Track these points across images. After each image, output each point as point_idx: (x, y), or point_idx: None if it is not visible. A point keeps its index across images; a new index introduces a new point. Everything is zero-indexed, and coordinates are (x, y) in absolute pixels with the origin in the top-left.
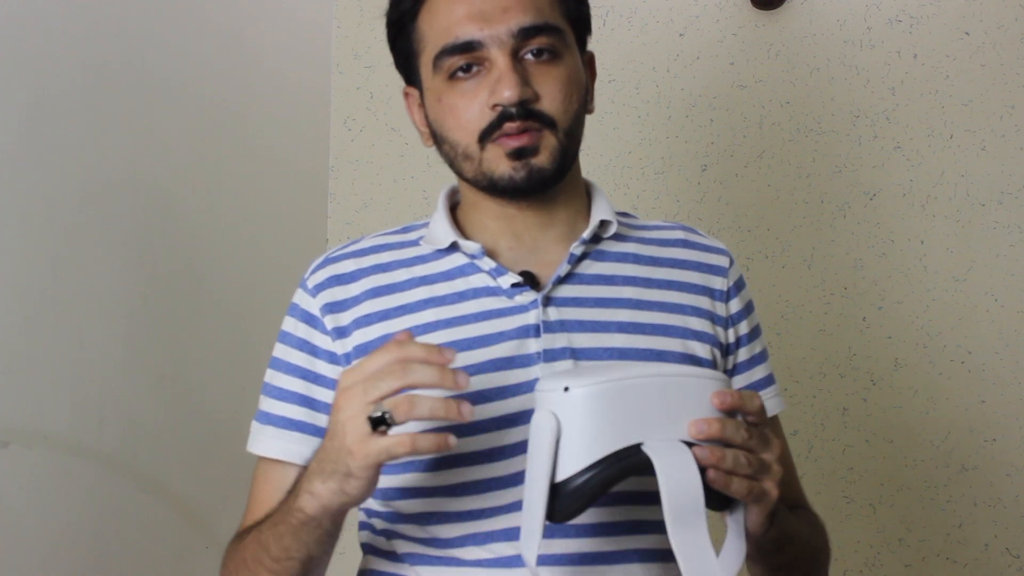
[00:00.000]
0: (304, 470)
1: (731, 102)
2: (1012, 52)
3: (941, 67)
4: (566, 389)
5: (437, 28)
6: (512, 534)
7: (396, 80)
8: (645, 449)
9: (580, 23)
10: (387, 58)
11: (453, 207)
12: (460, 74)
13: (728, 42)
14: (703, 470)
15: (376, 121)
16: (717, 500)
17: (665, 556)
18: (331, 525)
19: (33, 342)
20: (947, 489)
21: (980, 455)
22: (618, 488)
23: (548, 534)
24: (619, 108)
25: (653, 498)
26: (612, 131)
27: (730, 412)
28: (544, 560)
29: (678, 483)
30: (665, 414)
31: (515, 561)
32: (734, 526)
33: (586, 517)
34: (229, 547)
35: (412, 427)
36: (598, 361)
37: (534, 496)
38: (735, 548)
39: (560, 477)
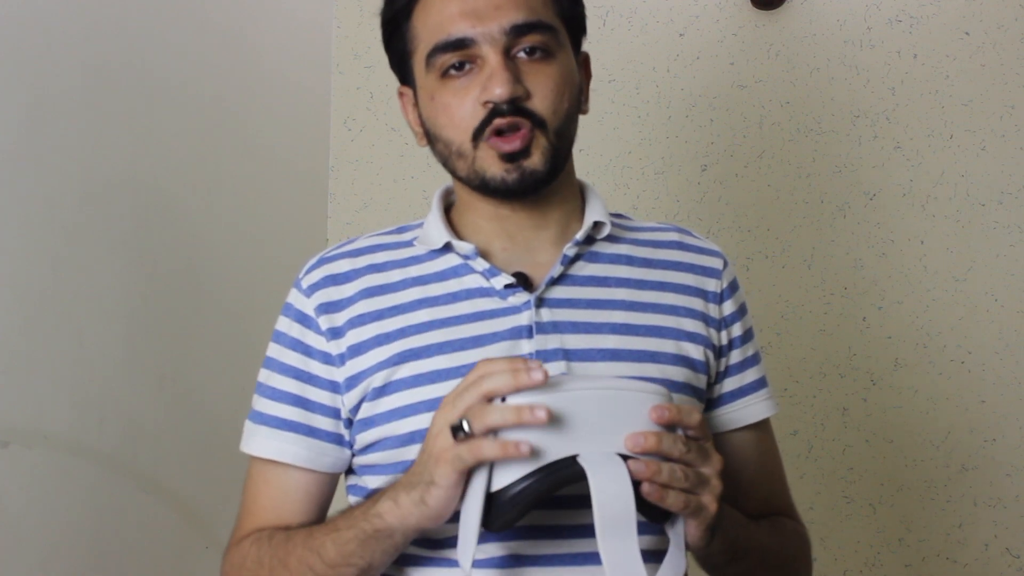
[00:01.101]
0: (392, 480)
1: (731, 102)
2: (1012, 52)
3: (941, 67)
4: (503, 399)
5: (430, 26)
6: (504, 535)
7: (396, 80)
8: (580, 461)
9: (574, 23)
10: (387, 58)
11: (448, 208)
12: (452, 72)
13: (728, 42)
14: (638, 483)
15: (376, 121)
16: (657, 513)
17: (656, 557)
18: (402, 539)
19: (33, 342)
20: (947, 489)
21: (980, 455)
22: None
23: (499, 537)
24: (619, 108)
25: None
26: (612, 131)
27: (670, 426)
28: (488, 563)
29: (609, 495)
30: (603, 426)
31: (506, 562)
32: (674, 539)
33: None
34: (235, 550)
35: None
36: (588, 364)
37: (470, 504)
38: (675, 560)
39: (496, 487)
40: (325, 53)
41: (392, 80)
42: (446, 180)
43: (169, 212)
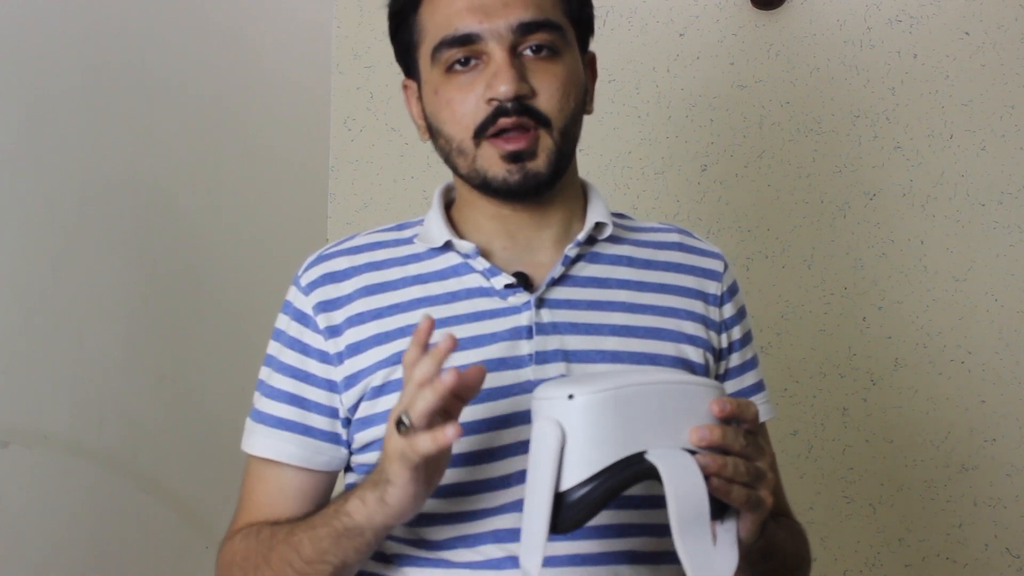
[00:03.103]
0: (363, 478)
1: (731, 102)
2: (1012, 52)
3: (941, 67)
4: (570, 397)
5: (437, 19)
6: (501, 536)
7: (396, 80)
8: (649, 457)
9: (582, 23)
10: (387, 58)
11: (448, 205)
12: (458, 67)
13: (728, 42)
14: (706, 478)
15: (376, 121)
16: (711, 509)
17: (654, 558)
18: (372, 537)
19: (33, 342)
20: (947, 489)
21: (980, 455)
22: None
23: (555, 536)
24: (619, 108)
25: (642, 501)
26: (612, 131)
27: (726, 420)
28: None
29: (685, 491)
30: (665, 421)
31: (504, 563)
32: (726, 536)
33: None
34: (227, 546)
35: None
36: (587, 365)
37: (537, 506)
38: (730, 557)
39: (564, 487)
40: (325, 53)
41: (392, 80)
42: (446, 179)
43: (169, 212)
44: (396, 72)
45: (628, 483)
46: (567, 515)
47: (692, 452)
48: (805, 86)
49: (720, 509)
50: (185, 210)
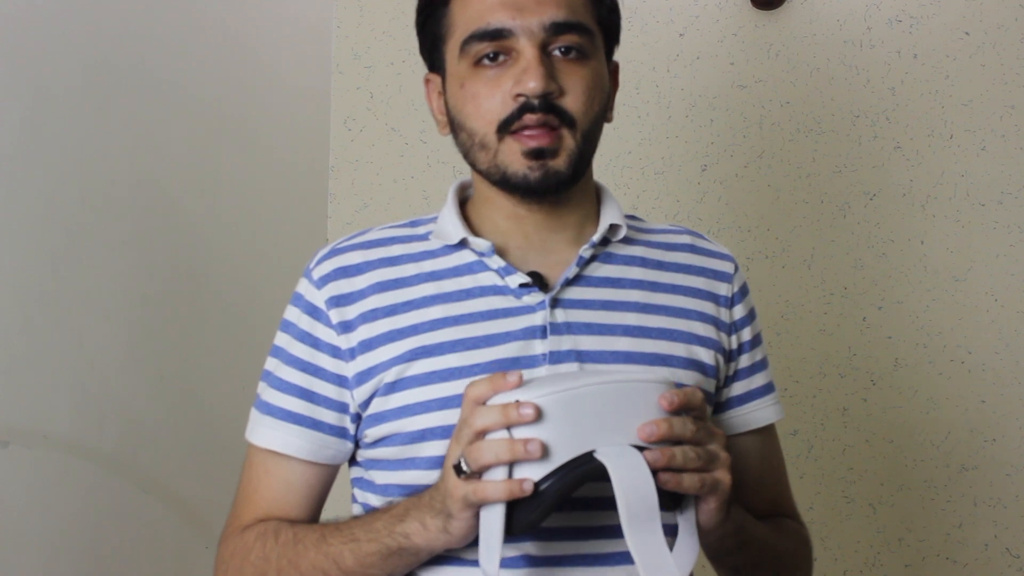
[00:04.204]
0: (414, 498)
1: (731, 102)
2: (1012, 52)
3: (941, 67)
4: (517, 403)
5: (469, 13)
6: (523, 536)
7: (396, 80)
8: (598, 456)
9: (610, 31)
10: (387, 58)
11: (462, 202)
12: (486, 62)
13: (728, 42)
14: (655, 472)
15: (376, 121)
16: (668, 500)
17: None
18: (427, 556)
19: (33, 342)
20: (947, 489)
21: (980, 455)
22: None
23: (511, 538)
24: (619, 108)
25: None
26: (612, 131)
27: (676, 412)
28: (508, 563)
29: (632, 487)
30: (614, 420)
31: (517, 562)
32: (685, 524)
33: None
34: (236, 539)
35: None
36: (600, 365)
37: (492, 509)
38: (688, 546)
39: None
40: (325, 53)
41: (392, 80)
42: (446, 180)
43: (169, 212)
44: (396, 72)
45: (577, 483)
46: (520, 517)
47: (644, 448)
48: (805, 86)
49: (677, 500)
50: (185, 210)
